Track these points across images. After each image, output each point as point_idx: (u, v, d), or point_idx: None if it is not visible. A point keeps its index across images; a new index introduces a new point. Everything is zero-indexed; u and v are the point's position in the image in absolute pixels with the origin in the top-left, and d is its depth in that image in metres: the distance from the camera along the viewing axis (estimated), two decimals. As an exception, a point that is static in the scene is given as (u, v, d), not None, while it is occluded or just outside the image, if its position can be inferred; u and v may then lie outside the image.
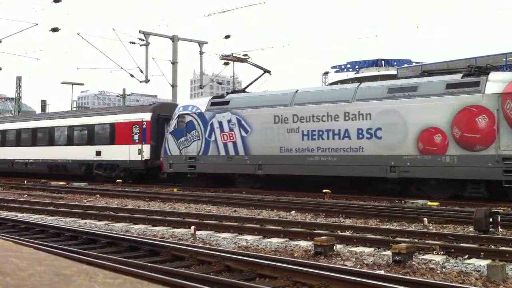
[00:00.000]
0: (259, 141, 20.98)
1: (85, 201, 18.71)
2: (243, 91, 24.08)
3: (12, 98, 71.64)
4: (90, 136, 28.54)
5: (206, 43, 35.88)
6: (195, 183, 23.03)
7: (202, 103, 23.32)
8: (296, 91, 20.71)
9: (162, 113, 26.27)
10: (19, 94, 66.24)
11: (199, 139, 22.80)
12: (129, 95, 66.10)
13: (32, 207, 15.90)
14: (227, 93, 23.67)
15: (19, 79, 66.85)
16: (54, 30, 33.12)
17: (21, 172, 32.03)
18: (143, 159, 25.64)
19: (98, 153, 27.67)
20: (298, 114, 20.00)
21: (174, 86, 34.25)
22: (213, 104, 22.94)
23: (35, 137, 32.15)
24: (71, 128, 29.90)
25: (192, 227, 10.72)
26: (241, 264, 7.06)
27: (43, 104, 67.95)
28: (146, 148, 25.76)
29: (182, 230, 11.24)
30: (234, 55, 24.91)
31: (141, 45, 32.81)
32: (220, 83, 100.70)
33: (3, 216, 13.09)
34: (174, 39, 34.47)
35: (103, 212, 14.48)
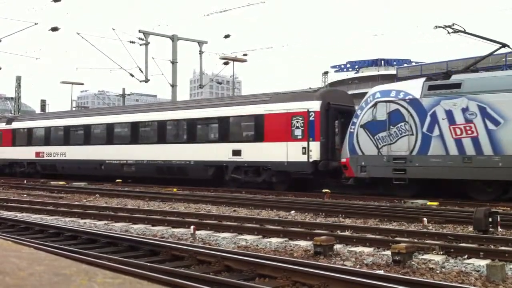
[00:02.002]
0: None
1: (85, 200, 18.70)
2: (472, 69, 19.13)
3: (12, 98, 71.66)
4: (224, 131, 22.69)
5: (206, 42, 35.91)
6: (402, 192, 17.79)
7: (413, 87, 18.25)
8: None
9: (333, 101, 20.73)
10: (18, 93, 66.24)
11: (412, 134, 17.73)
12: (128, 94, 66.14)
13: (32, 206, 15.90)
14: (446, 74, 18.52)
15: (18, 78, 66.87)
16: (54, 29, 33.12)
17: (115, 176, 26.19)
18: (311, 160, 19.88)
19: (236, 152, 21.78)
20: None
21: (173, 85, 34.26)
22: (432, 87, 17.66)
23: (136, 133, 26.25)
24: (192, 121, 23.89)
25: (192, 226, 10.72)
26: (241, 264, 7.06)
27: (43, 103, 68.00)
28: (315, 146, 19.96)
29: (182, 230, 11.24)
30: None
31: (140, 45, 32.83)
32: (219, 83, 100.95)
33: (2, 215, 13.09)
34: (173, 38, 34.47)
35: (102, 212, 14.48)
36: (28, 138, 32.27)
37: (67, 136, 29.83)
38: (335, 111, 20.70)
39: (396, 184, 18.02)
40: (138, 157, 25.67)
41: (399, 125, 18.04)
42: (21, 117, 34.92)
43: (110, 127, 27.69)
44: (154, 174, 25.14)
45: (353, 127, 19.01)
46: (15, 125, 33.58)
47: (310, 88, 26.66)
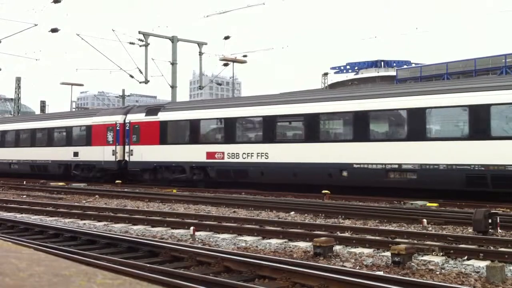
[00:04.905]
0: None
1: (84, 201, 18.69)
2: None
3: (12, 99, 71.66)
4: None
5: (206, 44, 35.93)
6: None
7: None
8: None
9: None
10: (18, 94, 66.24)
11: None
12: (128, 95, 66.25)
13: (31, 207, 15.90)
14: None
15: (18, 79, 66.87)
16: (54, 30, 33.11)
17: (370, 187, 18.67)
18: None
19: None
20: None
21: (173, 87, 34.25)
22: None
23: (420, 125, 17.42)
24: None
25: (191, 227, 10.72)
26: (241, 265, 7.06)
27: (43, 104, 67.99)
28: None
29: (181, 231, 11.24)
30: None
31: (140, 46, 32.84)
32: (219, 84, 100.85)
33: (2, 216, 13.08)
34: (173, 40, 34.48)
35: (102, 213, 14.47)
36: (192, 133, 23.68)
37: (271, 130, 21.14)
38: None
39: None
40: (423, 159, 17.17)
41: None
42: (170, 105, 26.43)
43: (363, 115, 18.77)
44: (464, 185, 16.53)
45: None
46: (165, 116, 24.79)
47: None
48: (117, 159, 26.49)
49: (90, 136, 27.91)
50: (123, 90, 61.91)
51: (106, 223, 12.91)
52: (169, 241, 9.71)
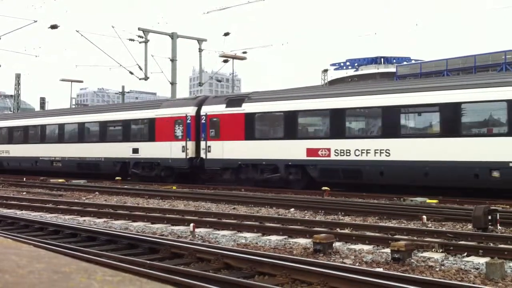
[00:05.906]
0: None
1: (84, 198, 18.69)
2: None
3: (11, 95, 71.63)
4: None
5: (205, 40, 35.89)
6: None
7: None
8: None
9: None
10: (18, 91, 66.21)
11: None
12: (128, 92, 66.21)
13: (31, 204, 15.89)
14: None
15: (18, 76, 66.85)
16: (53, 27, 33.09)
17: None
18: None
19: None
20: None
21: (173, 83, 34.24)
22: None
23: None
24: None
25: (191, 224, 10.73)
26: (240, 261, 7.07)
27: (42, 101, 67.96)
28: None
29: (181, 228, 11.25)
30: None
31: (140, 43, 32.81)
32: (219, 81, 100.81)
33: (2, 213, 13.09)
34: (173, 36, 34.45)
35: (102, 210, 14.48)
36: (288, 127, 20.45)
37: (394, 122, 17.88)
38: None
39: None
40: None
41: None
42: (256, 95, 22.54)
43: None
44: None
45: None
46: (251, 107, 21.70)
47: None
48: (188, 156, 23.41)
49: (153, 131, 24.84)
50: (123, 87, 61.88)
51: (106, 219, 12.92)
52: (169, 237, 9.72)
